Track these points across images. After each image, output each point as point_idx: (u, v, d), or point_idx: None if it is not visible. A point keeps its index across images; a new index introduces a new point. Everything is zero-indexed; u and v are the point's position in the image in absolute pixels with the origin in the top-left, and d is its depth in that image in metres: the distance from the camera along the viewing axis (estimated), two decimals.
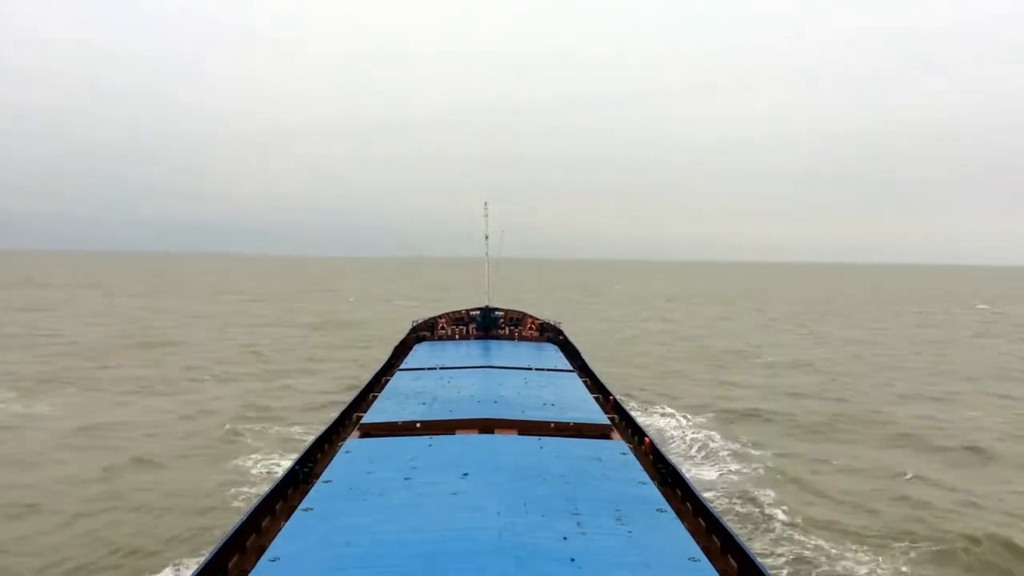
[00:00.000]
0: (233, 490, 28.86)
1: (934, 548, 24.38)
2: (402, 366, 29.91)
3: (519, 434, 18.03)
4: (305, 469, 16.63)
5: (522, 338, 39.34)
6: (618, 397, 25.52)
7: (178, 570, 21.92)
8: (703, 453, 35.81)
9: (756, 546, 23.54)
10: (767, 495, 29.15)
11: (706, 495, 15.86)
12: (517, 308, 45.57)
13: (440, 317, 43.18)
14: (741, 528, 25.27)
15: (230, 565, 12.16)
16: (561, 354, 34.41)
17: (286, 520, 12.49)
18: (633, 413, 25.12)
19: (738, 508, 27.84)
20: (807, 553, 23.89)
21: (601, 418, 20.31)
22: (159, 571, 22.13)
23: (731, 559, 12.45)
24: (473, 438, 17.55)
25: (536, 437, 17.63)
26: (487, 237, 42.09)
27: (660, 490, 14.50)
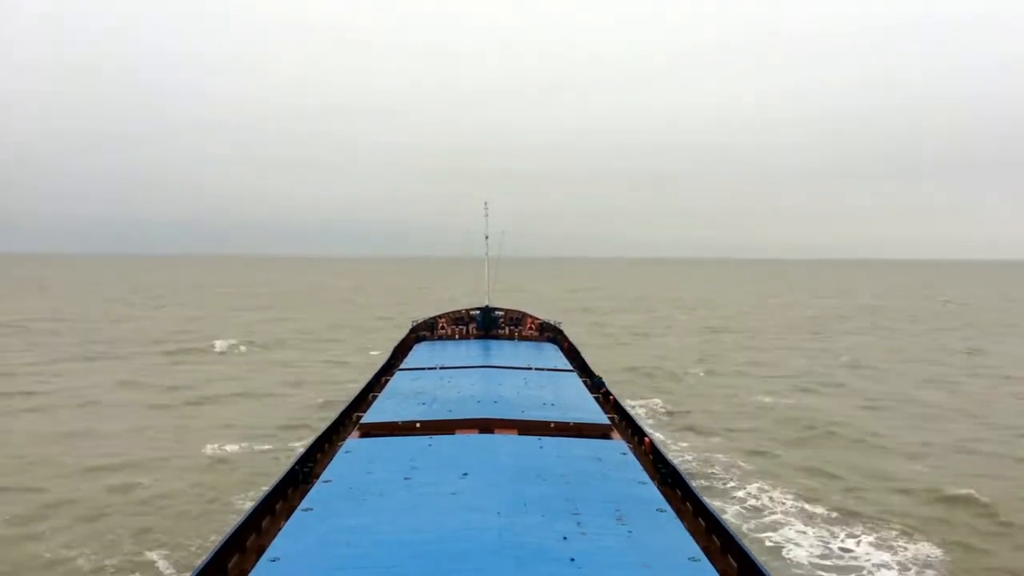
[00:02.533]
0: None
1: None
2: (402, 366, 29.93)
3: (519, 434, 18.03)
4: (305, 469, 16.66)
5: (522, 338, 39.36)
6: (618, 397, 25.52)
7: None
8: None
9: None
10: None
11: (706, 495, 15.88)
12: (518, 309, 45.59)
13: (440, 317, 43.22)
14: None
15: (230, 565, 12.17)
16: (561, 354, 34.42)
17: (286, 520, 12.50)
18: None
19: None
20: None
21: (601, 418, 20.32)
22: None
23: (731, 559, 12.46)
24: (473, 438, 17.55)
25: (536, 437, 17.64)
26: (487, 237, 42.14)
27: (660, 490, 14.50)
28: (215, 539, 19.01)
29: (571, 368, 30.27)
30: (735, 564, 12.24)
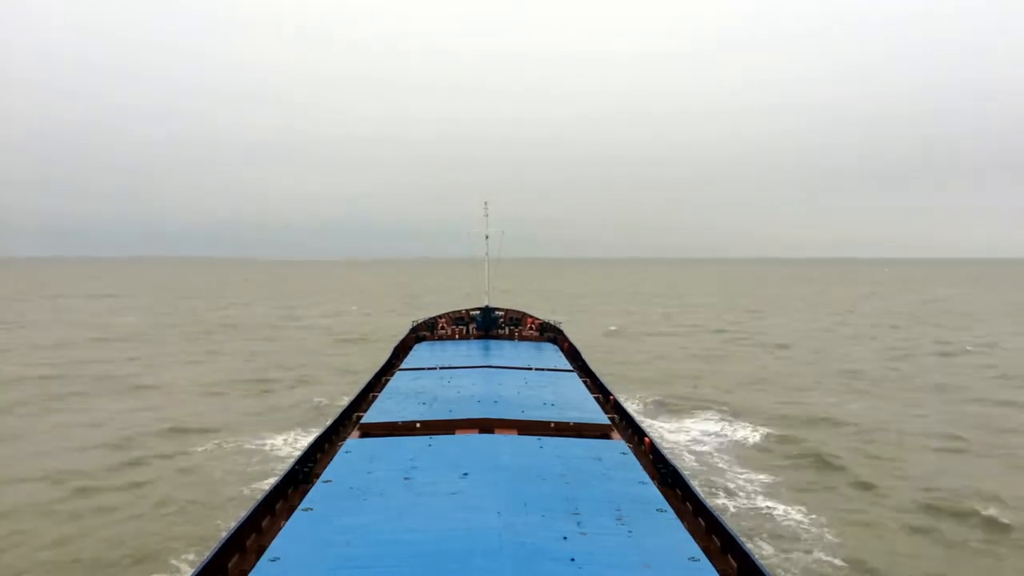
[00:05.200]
0: None
1: None
2: (402, 366, 29.94)
3: (519, 434, 18.04)
4: (305, 469, 16.65)
5: (522, 338, 39.36)
6: (618, 397, 25.50)
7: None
8: None
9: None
10: None
11: (706, 495, 15.86)
12: (518, 308, 45.62)
13: (440, 317, 43.24)
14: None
15: (230, 565, 12.17)
16: (561, 354, 34.42)
17: (286, 520, 12.50)
18: None
19: None
20: None
21: (601, 418, 20.31)
22: None
23: (731, 559, 12.45)
24: (473, 438, 17.55)
25: (536, 437, 17.64)
26: (487, 237, 42.16)
27: (660, 490, 14.50)
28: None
29: (571, 368, 30.27)
30: (735, 564, 12.23)
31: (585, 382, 27.65)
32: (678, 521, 12.54)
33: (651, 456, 18.47)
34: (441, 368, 28.02)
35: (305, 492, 14.42)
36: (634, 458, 16.45)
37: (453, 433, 18.08)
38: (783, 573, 22.34)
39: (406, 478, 14.15)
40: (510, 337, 39.36)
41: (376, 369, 31.66)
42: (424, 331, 40.44)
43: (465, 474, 14.17)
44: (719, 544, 13.09)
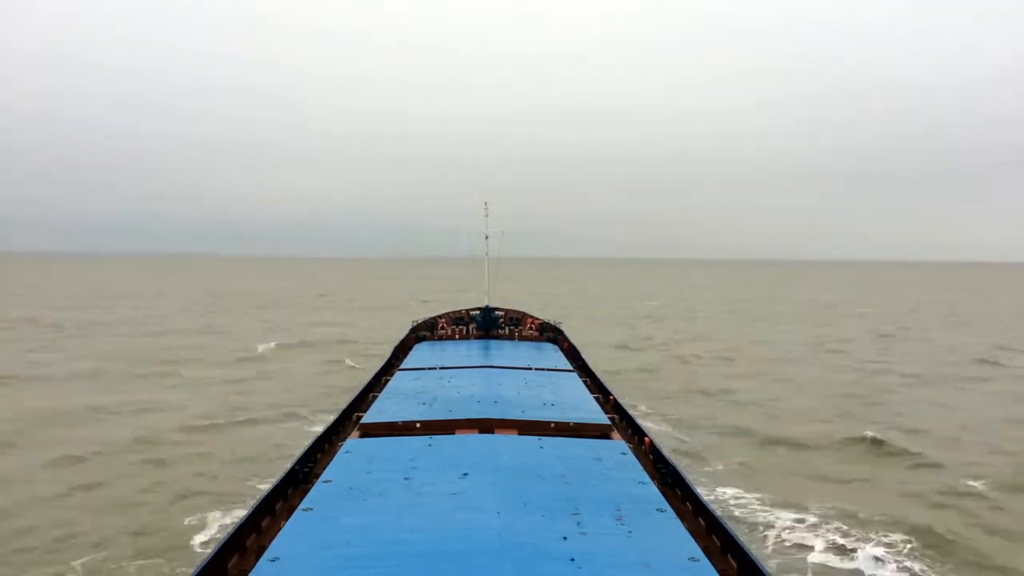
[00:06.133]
0: None
1: None
2: (402, 366, 29.92)
3: (519, 434, 18.04)
4: (305, 469, 16.64)
5: (522, 338, 39.36)
6: (618, 397, 25.48)
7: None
8: None
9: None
10: None
11: (706, 495, 15.86)
12: (518, 309, 45.64)
13: (440, 317, 43.21)
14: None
15: (230, 565, 12.16)
16: (561, 354, 34.41)
17: (286, 520, 12.50)
18: None
19: None
20: None
21: (601, 418, 20.31)
22: None
23: (731, 559, 12.44)
24: (473, 438, 17.54)
25: (536, 437, 17.64)
26: (487, 237, 42.17)
27: (660, 490, 14.50)
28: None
29: (571, 368, 30.25)
30: (735, 564, 12.22)
31: (585, 382, 27.63)
32: (678, 521, 12.54)
33: (651, 456, 18.47)
34: (441, 368, 28.01)
35: (305, 492, 14.41)
36: (634, 458, 16.45)
37: (453, 433, 18.08)
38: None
39: (406, 478, 14.15)
40: (510, 337, 39.36)
41: (376, 369, 31.65)
42: (424, 331, 40.41)
43: (465, 474, 14.17)
44: (719, 544, 13.09)
